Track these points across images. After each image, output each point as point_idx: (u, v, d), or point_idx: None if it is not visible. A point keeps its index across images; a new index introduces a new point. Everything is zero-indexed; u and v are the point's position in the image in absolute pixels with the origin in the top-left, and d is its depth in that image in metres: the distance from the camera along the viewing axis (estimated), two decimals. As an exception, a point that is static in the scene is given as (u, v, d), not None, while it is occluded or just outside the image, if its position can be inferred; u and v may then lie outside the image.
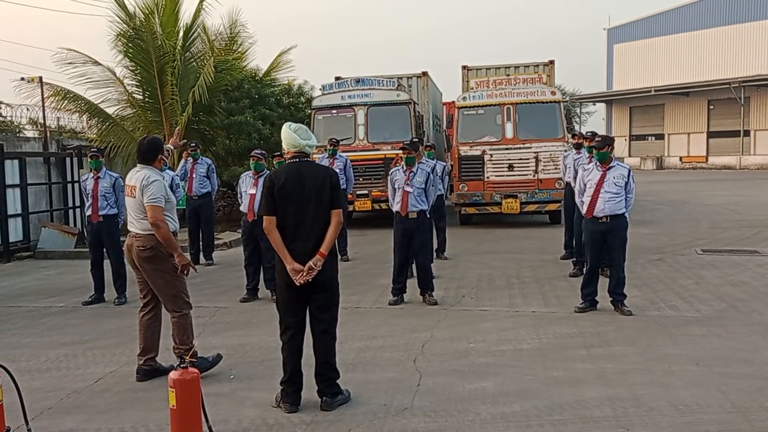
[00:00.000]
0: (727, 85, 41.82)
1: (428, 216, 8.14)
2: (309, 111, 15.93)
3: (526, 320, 6.94)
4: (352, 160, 11.89)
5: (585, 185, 7.19)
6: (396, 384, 5.13)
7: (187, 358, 4.28)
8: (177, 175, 10.40)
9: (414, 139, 9.80)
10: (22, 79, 15.39)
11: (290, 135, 4.66)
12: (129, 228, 5.50)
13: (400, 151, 8.22)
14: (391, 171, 8.24)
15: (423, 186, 7.85)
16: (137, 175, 5.37)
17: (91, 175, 8.56)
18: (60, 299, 8.84)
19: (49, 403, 4.96)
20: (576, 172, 8.63)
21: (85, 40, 18.54)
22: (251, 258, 8.43)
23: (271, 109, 16.85)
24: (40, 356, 6.20)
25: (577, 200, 7.57)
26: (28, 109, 15.87)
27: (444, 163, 11.80)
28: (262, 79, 18.05)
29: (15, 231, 12.78)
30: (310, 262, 4.49)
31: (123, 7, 14.77)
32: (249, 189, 8.44)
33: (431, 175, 8.03)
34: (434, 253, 9.83)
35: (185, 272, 5.39)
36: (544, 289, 8.41)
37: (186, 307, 5.43)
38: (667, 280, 8.72)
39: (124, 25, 14.83)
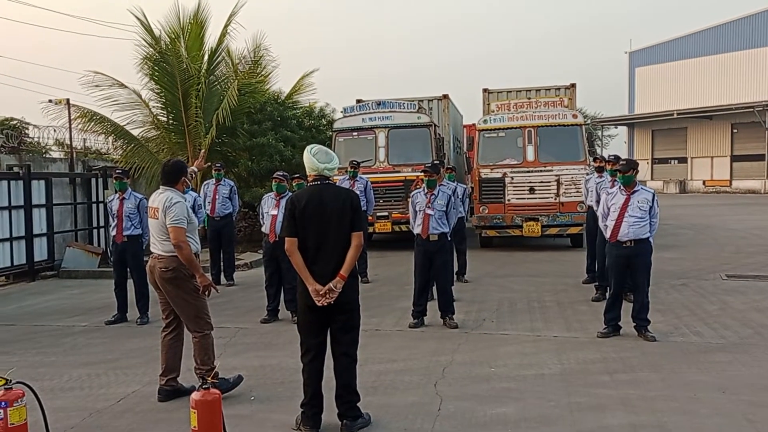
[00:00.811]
0: (751, 109, 41.44)
1: (449, 238, 8.13)
2: (330, 133, 16.05)
3: (548, 345, 6.87)
4: (372, 182, 11.94)
5: (608, 209, 7.14)
6: (417, 408, 5.10)
7: (209, 379, 4.29)
8: (199, 197, 10.52)
9: (435, 162, 9.82)
10: (50, 101, 15.74)
11: (309, 158, 4.70)
12: (152, 249, 5.56)
13: (421, 174, 8.23)
14: (413, 193, 8.25)
15: (444, 208, 7.85)
16: (160, 197, 5.45)
17: (117, 195, 8.68)
18: (83, 318, 8.93)
19: (72, 423, 4.99)
20: (598, 195, 8.59)
21: (112, 63, 18.91)
22: (272, 279, 8.46)
23: (292, 131, 17.00)
24: (63, 375, 6.26)
25: (601, 224, 7.51)
26: (55, 130, 16.21)
27: (465, 186, 11.79)
28: (284, 101, 18.23)
29: (40, 250, 12.97)
30: (330, 284, 4.51)
31: (149, 31, 15.07)
32: (271, 210, 8.50)
33: (452, 197, 8.03)
34: (455, 276, 9.80)
35: (207, 293, 5.43)
36: (566, 314, 8.34)
37: (207, 327, 5.46)
38: (691, 305, 8.61)
39: (151, 49, 15.13)
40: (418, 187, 10.27)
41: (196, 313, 5.42)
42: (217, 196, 11.16)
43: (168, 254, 5.38)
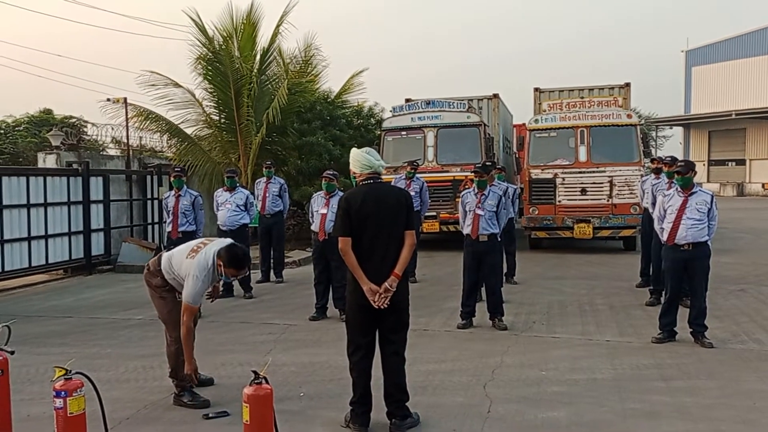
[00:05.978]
0: (815, 109, 39.94)
1: (499, 239, 8.04)
2: (379, 132, 16.07)
3: (600, 349, 6.73)
4: (421, 182, 11.87)
5: (665, 211, 6.95)
6: (466, 409, 5.06)
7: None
8: (251, 195, 10.65)
9: (487, 163, 9.72)
10: (108, 100, 16.14)
11: (365, 157, 4.69)
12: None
13: (470, 174, 8.17)
14: (462, 193, 8.19)
15: (494, 209, 7.77)
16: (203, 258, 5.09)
17: (173, 192, 8.88)
18: (138, 312, 9.12)
19: (127, 414, 5.11)
20: (654, 197, 8.38)
21: (167, 63, 19.31)
22: (321, 277, 8.51)
23: (341, 130, 17.08)
24: (119, 367, 6.41)
25: (656, 227, 7.31)
26: (112, 128, 16.64)
27: (515, 186, 11.66)
28: (333, 100, 18.32)
29: (97, 245, 13.35)
30: (386, 283, 4.49)
31: (203, 31, 15.32)
32: (320, 209, 8.54)
33: (503, 198, 7.94)
34: (504, 277, 9.69)
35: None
36: (619, 318, 8.16)
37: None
38: (750, 311, 8.33)
39: (204, 49, 15.35)
40: (467, 187, 10.19)
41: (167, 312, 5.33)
42: (267, 194, 11.27)
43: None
